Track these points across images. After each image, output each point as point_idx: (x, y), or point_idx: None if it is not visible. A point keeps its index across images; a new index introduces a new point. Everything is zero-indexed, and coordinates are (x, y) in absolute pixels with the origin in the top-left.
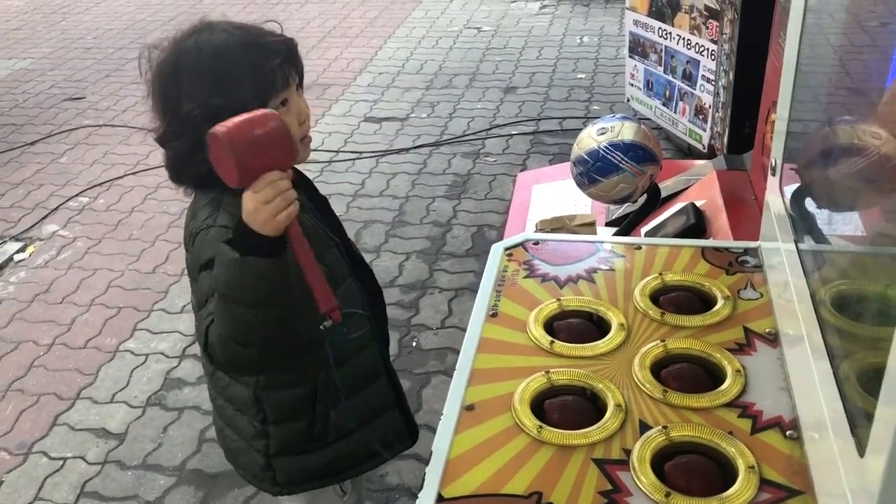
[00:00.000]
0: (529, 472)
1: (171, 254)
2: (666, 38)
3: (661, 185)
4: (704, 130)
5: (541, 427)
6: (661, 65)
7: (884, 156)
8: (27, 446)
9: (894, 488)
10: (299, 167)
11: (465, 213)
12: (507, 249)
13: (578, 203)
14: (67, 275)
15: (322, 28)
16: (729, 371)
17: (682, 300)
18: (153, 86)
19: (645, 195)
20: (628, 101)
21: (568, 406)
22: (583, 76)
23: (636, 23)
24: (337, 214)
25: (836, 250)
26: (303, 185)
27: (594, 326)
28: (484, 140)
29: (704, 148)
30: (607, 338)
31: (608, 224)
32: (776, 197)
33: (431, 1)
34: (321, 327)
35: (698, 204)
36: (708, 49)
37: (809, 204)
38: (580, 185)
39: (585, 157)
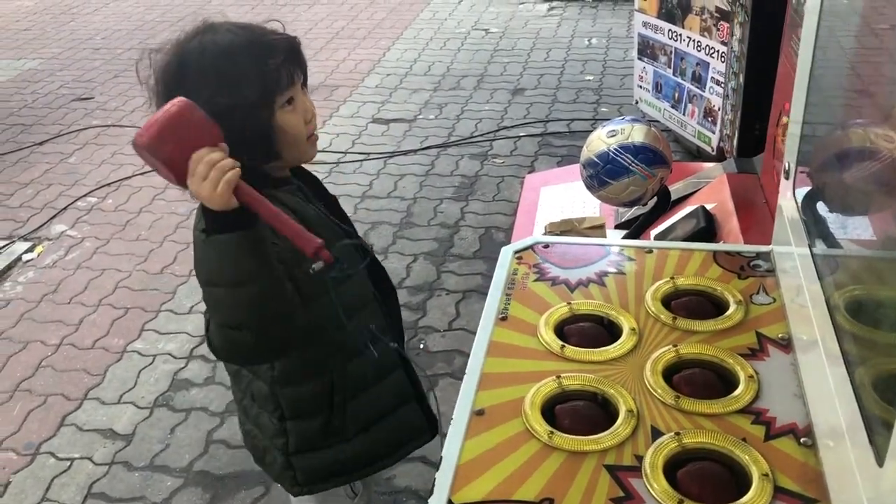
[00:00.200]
0: (540, 479)
1: (179, 254)
2: (675, 40)
3: (671, 188)
4: (714, 133)
5: (552, 432)
6: (670, 67)
7: None
8: (35, 447)
9: None
10: (307, 166)
11: (472, 215)
12: (516, 252)
13: (587, 205)
14: (75, 275)
15: (330, 29)
16: (742, 377)
17: (693, 304)
18: (158, 88)
19: (655, 198)
20: (637, 103)
21: (579, 411)
22: (591, 78)
23: (645, 24)
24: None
25: (850, 254)
26: (311, 184)
27: (605, 331)
28: (492, 142)
29: (713, 150)
30: (619, 342)
31: (618, 227)
32: (789, 200)
33: (439, 2)
34: (311, 269)
35: (708, 207)
36: (718, 51)
37: (821, 207)
38: (590, 187)
39: (595, 159)
